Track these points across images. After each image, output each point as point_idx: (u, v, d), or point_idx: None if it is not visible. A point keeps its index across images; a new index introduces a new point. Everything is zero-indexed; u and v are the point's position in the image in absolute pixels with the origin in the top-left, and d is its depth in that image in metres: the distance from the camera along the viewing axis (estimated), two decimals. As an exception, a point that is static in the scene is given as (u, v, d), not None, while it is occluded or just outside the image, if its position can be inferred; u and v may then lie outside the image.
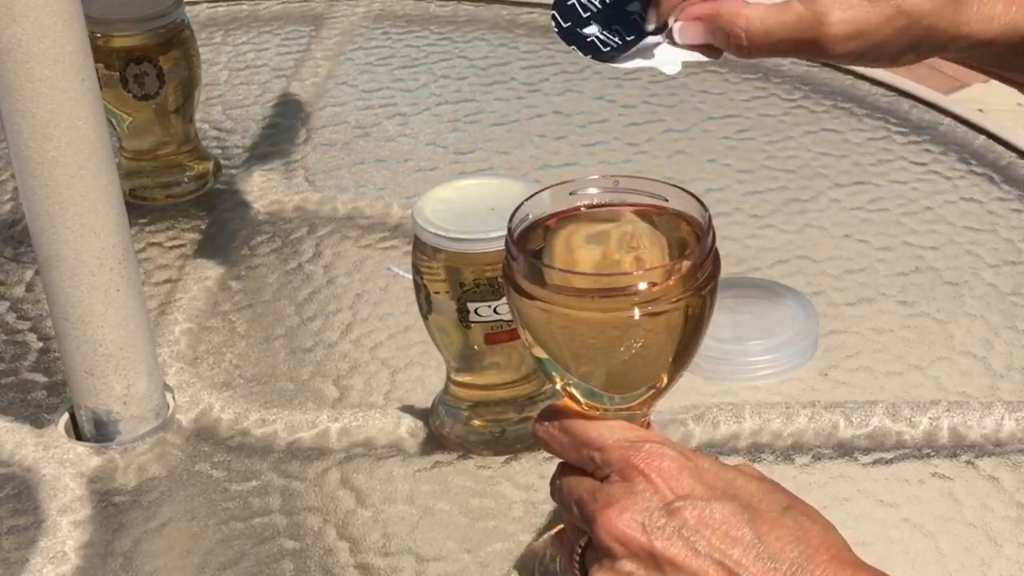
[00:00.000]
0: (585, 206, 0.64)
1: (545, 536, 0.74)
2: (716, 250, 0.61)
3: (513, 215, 0.62)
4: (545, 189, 0.63)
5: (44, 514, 0.79)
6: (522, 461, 0.81)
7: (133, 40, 1.02)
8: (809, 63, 1.25)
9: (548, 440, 0.64)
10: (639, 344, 0.60)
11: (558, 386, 0.64)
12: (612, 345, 0.60)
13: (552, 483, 0.65)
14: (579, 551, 0.62)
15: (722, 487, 0.59)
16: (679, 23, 0.70)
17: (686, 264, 0.59)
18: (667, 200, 0.63)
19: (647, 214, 0.64)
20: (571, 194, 0.64)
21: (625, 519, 0.59)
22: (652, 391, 0.63)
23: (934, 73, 2.94)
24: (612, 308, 0.59)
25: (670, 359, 0.62)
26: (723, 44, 0.69)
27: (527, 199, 0.63)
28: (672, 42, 0.70)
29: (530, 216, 0.63)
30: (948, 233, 1.01)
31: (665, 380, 0.63)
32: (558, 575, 0.71)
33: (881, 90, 1.20)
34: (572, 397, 0.64)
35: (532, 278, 0.60)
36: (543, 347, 0.62)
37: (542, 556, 0.73)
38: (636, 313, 0.59)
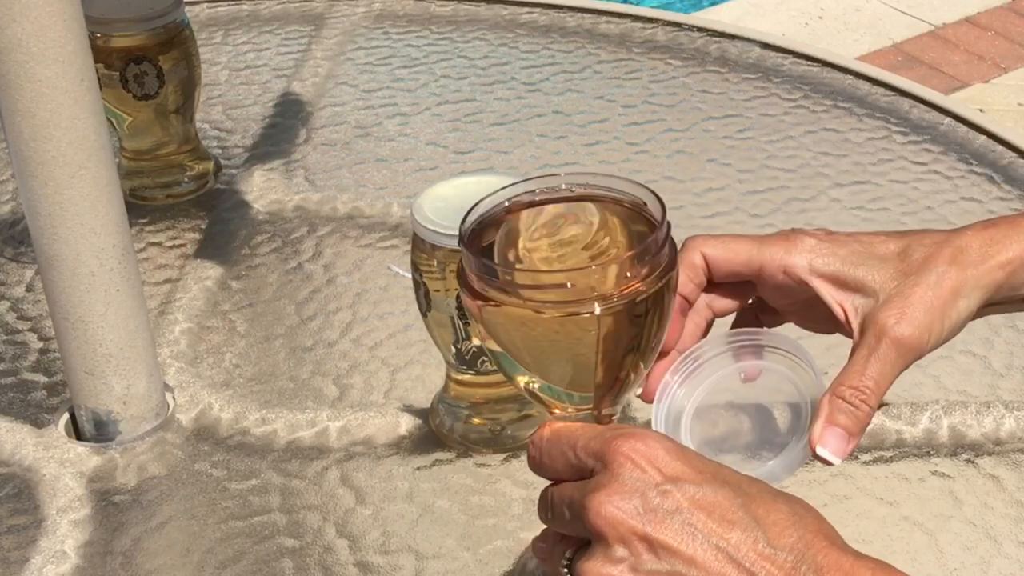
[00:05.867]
0: (540, 202, 0.63)
1: (526, 548, 0.74)
2: (672, 240, 0.61)
3: (465, 218, 0.62)
4: (499, 191, 0.63)
5: (44, 514, 0.79)
6: (521, 459, 0.81)
7: (133, 40, 1.02)
8: (809, 63, 1.25)
9: (530, 451, 0.62)
10: (598, 339, 0.59)
11: (520, 386, 0.63)
12: (571, 341, 0.59)
13: (541, 501, 0.62)
14: (567, 559, 0.60)
15: (712, 471, 0.58)
16: (820, 441, 0.66)
17: (642, 255, 0.59)
18: (621, 193, 0.63)
19: (602, 208, 0.63)
20: (524, 192, 0.63)
21: (615, 501, 0.56)
22: (615, 385, 0.62)
23: (935, 73, 2.95)
24: (570, 305, 0.58)
25: (630, 353, 0.61)
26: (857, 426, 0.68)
27: (478, 202, 0.62)
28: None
29: (483, 216, 0.62)
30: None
31: (628, 374, 0.62)
32: None
33: (881, 90, 1.20)
34: (533, 396, 0.63)
35: (486, 278, 0.59)
36: (500, 344, 0.61)
37: (521, 567, 0.73)
38: (596, 308, 0.58)
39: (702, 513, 0.55)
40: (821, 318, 0.71)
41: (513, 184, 0.64)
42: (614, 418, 0.65)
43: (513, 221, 0.63)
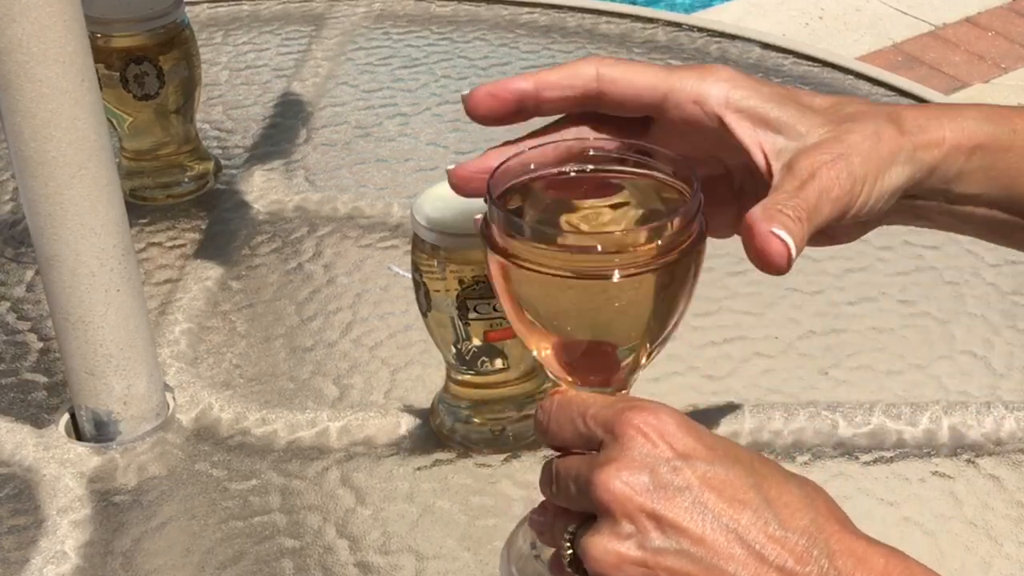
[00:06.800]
0: (573, 171, 0.62)
1: (519, 523, 0.72)
2: (703, 214, 0.59)
3: (493, 173, 0.61)
4: (528, 150, 0.62)
5: (44, 514, 0.79)
6: (522, 459, 0.81)
7: (133, 40, 1.02)
8: (809, 63, 1.25)
9: (538, 415, 0.60)
10: (618, 304, 0.58)
11: (535, 353, 0.62)
12: (590, 306, 0.59)
13: (544, 473, 0.60)
14: (570, 533, 0.58)
15: (723, 449, 0.56)
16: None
17: (670, 225, 0.58)
18: (653, 161, 0.62)
19: (632, 174, 0.62)
20: (554, 170, 0.63)
21: (623, 476, 0.54)
22: (631, 357, 0.61)
23: (935, 73, 2.95)
24: (592, 266, 0.57)
25: (650, 322, 0.60)
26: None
27: (507, 159, 0.62)
28: None
29: (511, 177, 0.62)
30: (948, 232, 1.00)
31: (646, 345, 0.61)
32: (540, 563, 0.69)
33: (881, 90, 1.20)
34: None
35: (512, 234, 0.58)
36: (526, 308, 0.60)
37: (517, 546, 0.71)
38: (616, 275, 0.57)
39: (712, 492, 0.54)
40: (722, 182, 0.64)
41: (542, 145, 0.63)
42: (624, 391, 0.64)
43: (543, 185, 0.62)
